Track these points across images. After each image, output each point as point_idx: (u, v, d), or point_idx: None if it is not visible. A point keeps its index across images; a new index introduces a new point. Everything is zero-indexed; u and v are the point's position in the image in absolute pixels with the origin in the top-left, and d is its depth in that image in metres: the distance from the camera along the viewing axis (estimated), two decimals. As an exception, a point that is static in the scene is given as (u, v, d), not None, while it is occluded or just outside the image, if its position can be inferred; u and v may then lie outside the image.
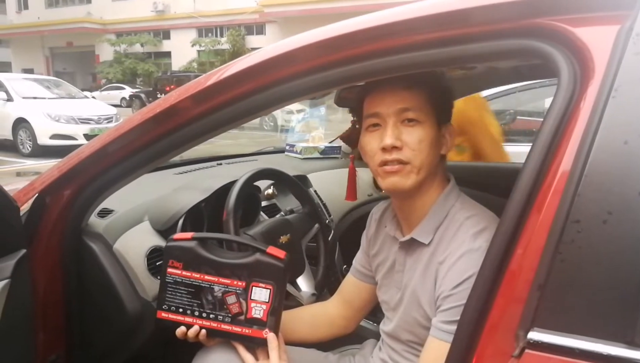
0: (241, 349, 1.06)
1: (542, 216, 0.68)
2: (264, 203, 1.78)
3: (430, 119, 1.00)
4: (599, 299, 0.62)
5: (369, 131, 1.03)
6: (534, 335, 0.64)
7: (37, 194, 1.16)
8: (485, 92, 3.24)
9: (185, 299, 1.08)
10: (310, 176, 2.07)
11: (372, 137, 1.02)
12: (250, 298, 1.05)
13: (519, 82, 2.36)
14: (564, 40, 0.74)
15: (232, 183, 1.44)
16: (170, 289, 1.09)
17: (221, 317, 1.06)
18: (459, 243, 0.96)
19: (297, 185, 1.64)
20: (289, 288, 1.39)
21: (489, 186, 1.80)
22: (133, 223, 1.44)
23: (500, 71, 1.41)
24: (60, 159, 1.19)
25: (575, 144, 0.68)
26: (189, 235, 1.10)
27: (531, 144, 0.75)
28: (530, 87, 3.12)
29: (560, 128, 0.71)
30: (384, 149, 0.98)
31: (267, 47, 1.01)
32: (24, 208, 1.16)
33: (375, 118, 1.01)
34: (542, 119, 0.76)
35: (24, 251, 1.09)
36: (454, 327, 0.87)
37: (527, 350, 0.64)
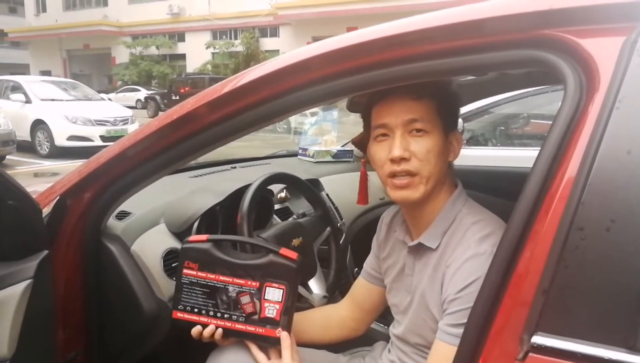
0: (254, 348, 1.09)
1: (548, 223, 0.70)
2: (276, 206, 1.80)
3: (438, 128, 1.01)
4: (601, 305, 0.64)
5: (378, 141, 1.04)
6: (538, 339, 0.65)
7: (58, 197, 1.19)
8: (498, 96, 3.24)
9: (201, 299, 1.11)
10: (322, 180, 2.09)
11: (380, 147, 1.03)
12: (264, 298, 1.08)
13: (531, 88, 2.35)
14: (571, 51, 0.76)
15: (246, 186, 1.47)
16: (186, 289, 1.12)
17: (235, 317, 1.09)
18: (465, 247, 0.98)
19: (310, 189, 1.66)
20: (301, 290, 1.42)
21: (496, 190, 1.81)
22: (150, 225, 1.47)
23: (511, 77, 1.42)
24: (76, 161, 1.23)
25: (580, 153, 0.69)
26: (204, 237, 1.13)
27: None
28: (542, 92, 3.10)
29: (566, 137, 0.73)
30: (392, 161, 1.00)
31: (282, 55, 1.04)
32: (46, 210, 1.20)
33: (383, 129, 1.03)
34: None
35: (46, 252, 1.13)
36: (459, 330, 0.89)
37: (530, 354, 0.66)
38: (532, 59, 0.81)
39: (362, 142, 1.29)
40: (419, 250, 1.08)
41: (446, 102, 1.04)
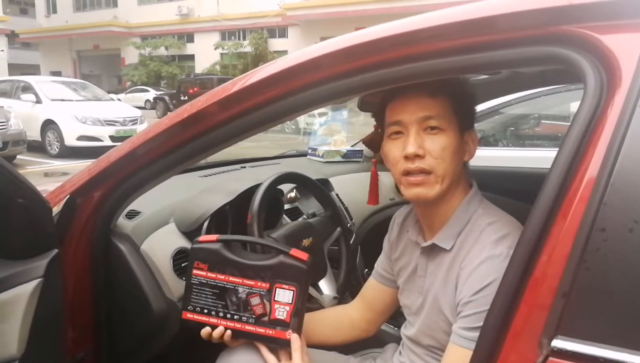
0: (264, 350, 1.08)
1: (567, 224, 0.68)
2: (286, 206, 1.80)
3: (453, 126, 1.00)
4: (624, 308, 0.62)
5: (392, 139, 1.03)
6: (558, 342, 0.64)
7: (68, 196, 1.19)
8: (510, 96, 3.21)
9: (210, 300, 1.10)
10: (332, 180, 2.08)
11: (394, 145, 1.02)
12: (274, 300, 1.07)
13: (544, 87, 2.32)
14: (591, 47, 0.74)
15: (256, 186, 1.46)
16: (196, 290, 1.11)
17: (245, 318, 1.08)
18: (480, 249, 0.96)
19: (320, 189, 1.65)
20: (311, 291, 1.41)
21: (512, 191, 1.79)
22: (159, 224, 1.47)
23: (525, 76, 1.40)
24: (86, 160, 1.23)
25: (601, 152, 0.68)
26: (213, 237, 1.12)
27: (556, 149, 0.75)
28: (555, 91, 3.07)
29: (586, 135, 0.71)
30: (407, 158, 0.98)
31: (292, 54, 1.03)
32: (56, 209, 1.19)
33: (397, 126, 1.01)
34: (566, 123, 0.76)
35: (56, 251, 1.12)
36: (474, 334, 0.88)
37: (550, 358, 0.64)
38: (550, 56, 0.79)
39: (372, 142, 1.27)
40: (432, 251, 1.07)
41: (462, 101, 1.03)
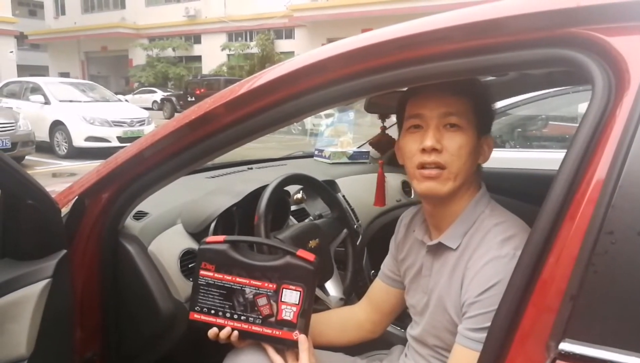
0: (271, 351, 1.08)
1: (575, 226, 0.68)
2: (293, 208, 1.80)
3: (472, 127, 1.00)
4: (632, 311, 0.62)
5: (410, 132, 1.03)
6: (566, 346, 0.63)
7: (77, 197, 1.20)
8: (517, 97, 3.20)
9: (217, 301, 1.10)
10: (338, 181, 2.08)
11: (412, 138, 1.02)
12: (281, 300, 1.07)
13: (552, 88, 2.31)
14: (599, 50, 0.73)
15: (263, 187, 1.46)
16: (203, 291, 1.11)
17: (252, 319, 1.08)
18: (486, 249, 0.96)
19: (326, 190, 1.65)
20: (318, 292, 1.41)
21: (520, 193, 1.78)
22: (167, 225, 1.48)
23: (533, 77, 1.40)
24: (93, 161, 1.24)
25: (609, 154, 0.67)
26: (221, 238, 1.13)
27: (563, 150, 0.75)
28: (563, 92, 3.05)
29: (594, 137, 0.71)
30: (424, 151, 0.98)
31: (299, 56, 1.03)
32: (64, 210, 1.20)
33: (417, 119, 1.02)
34: (573, 124, 0.75)
35: (64, 251, 1.13)
36: (479, 335, 0.88)
37: (558, 361, 0.64)
38: (558, 58, 0.78)
39: (379, 143, 1.28)
40: (438, 250, 1.07)
41: (483, 103, 1.03)
